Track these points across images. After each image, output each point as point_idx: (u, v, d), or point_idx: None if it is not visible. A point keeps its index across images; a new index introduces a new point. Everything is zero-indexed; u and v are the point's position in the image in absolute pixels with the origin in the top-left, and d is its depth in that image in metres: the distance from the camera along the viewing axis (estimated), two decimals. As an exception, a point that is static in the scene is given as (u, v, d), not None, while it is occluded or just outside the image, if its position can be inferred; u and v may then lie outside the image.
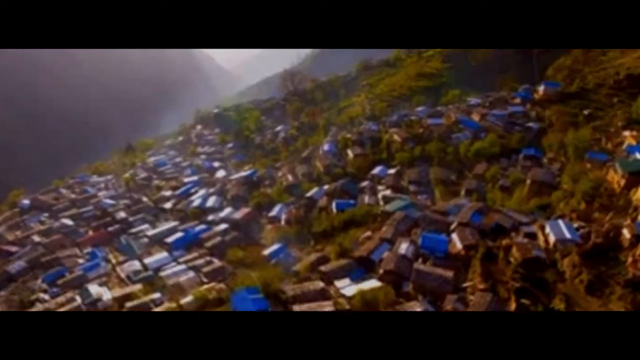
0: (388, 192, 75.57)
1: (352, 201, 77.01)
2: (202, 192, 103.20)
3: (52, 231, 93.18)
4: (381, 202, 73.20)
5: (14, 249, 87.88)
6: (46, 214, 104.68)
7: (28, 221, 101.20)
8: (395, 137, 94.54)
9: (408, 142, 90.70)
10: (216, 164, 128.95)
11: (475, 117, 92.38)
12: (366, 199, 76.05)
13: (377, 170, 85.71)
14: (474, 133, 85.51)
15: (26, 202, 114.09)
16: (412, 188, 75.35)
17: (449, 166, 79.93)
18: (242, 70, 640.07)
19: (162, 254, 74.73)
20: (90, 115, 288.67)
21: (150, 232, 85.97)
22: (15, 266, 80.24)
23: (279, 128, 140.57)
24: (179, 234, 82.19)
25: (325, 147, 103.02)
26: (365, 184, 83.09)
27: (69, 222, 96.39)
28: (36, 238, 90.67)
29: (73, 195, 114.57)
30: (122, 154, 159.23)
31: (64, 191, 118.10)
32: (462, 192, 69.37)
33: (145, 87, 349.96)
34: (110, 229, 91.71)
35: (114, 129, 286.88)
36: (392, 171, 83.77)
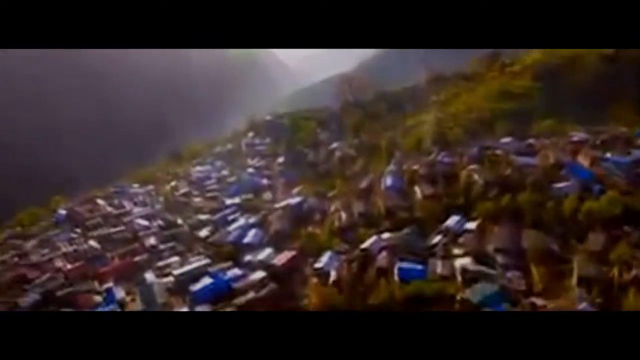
0: (467, 261, 58.74)
1: (419, 267, 60.80)
2: (241, 220, 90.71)
3: (77, 255, 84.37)
4: (458, 276, 56.57)
5: (33, 274, 79.70)
6: (78, 230, 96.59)
7: (57, 238, 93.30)
8: (476, 177, 76.94)
9: (492, 186, 72.86)
10: (264, 181, 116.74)
11: (584, 161, 72.91)
12: (438, 267, 59.51)
13: (452, 221, 68.79)
14: (583, 184, 66.38)
15: (62, 212, 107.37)
16: (499, 259, 57.92)
17: (549, 229, 61.42)
18: (304, 65, 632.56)
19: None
20: (149, 114, 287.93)
21: (177, 271, 74.36)
22: (29, 299, 71.67)
23: (334, 145, 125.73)
24: (206, 280, 69.74)
25: (388, 180, 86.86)
26: (436, 239, 66.48)
27: (96, 245, 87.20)
28: (59, 263, 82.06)
29: (109, 209, 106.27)
30: (168, 160, 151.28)
31: (101, 202, 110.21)
32: (573, 280, 51.11)
33: (205, 85, 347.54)
34: (137, 258, 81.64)
35: (173, 127, 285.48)
36: (471, 226, 66.60)
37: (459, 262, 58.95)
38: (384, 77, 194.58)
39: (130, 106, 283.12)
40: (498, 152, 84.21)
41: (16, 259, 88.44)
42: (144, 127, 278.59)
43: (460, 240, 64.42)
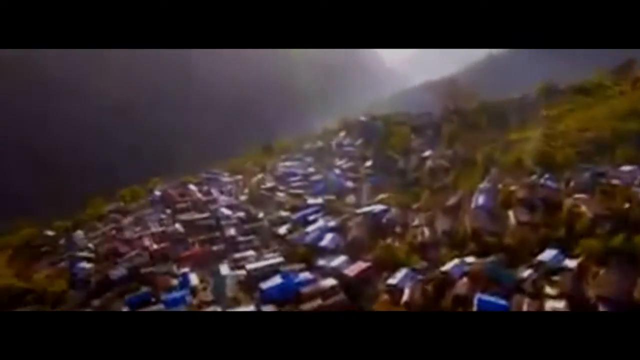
0: (561, 305, 51.22)
1: (502, 301, 54.37)
2: (321, 222, 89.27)
3: (163, 236, 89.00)
4: (549, 321, 49.36)
5: (124, 249, 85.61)
6: (168, 211, 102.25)
7: (149, 217, 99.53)
8: (583, 208, 67.59)
9: (603, 221, 63.28)
10: (349, 184, 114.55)
11: None
12: (525, 305, 52.69)
13: (547, 255, 60.91)
14: None
15: (158, 193, 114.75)
16: (602, 308, 49.65)
17: (672, 282, 51.53)
18: (405, 67, 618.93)
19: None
20: (249, 108, 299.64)
21: (251, 265, 74.91)
22: (118, 272, 77.01)
23: (427, 153, 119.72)
24: (277, 280, 69.17)
25: (480, 199, 79.89)
26: (526, 273, 59.20)
27: (181, 228, 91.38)
28: (146, 242, 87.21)
29: (198, 195, 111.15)
30: (259, 152, 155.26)
31: (192, 188, 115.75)
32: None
33: (306, 82, 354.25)
34: (215, 247, 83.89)
35: (270, 121, 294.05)
36: (571, 264, 58.28)
37: (550, 304, 51.62)
38: (489, 85, 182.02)
39: (235, 100, 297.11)
40: (615, 181, 73.35)
41: (114, 232, 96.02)
42: (244, 119, 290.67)
43: (555, 278, 56.56)
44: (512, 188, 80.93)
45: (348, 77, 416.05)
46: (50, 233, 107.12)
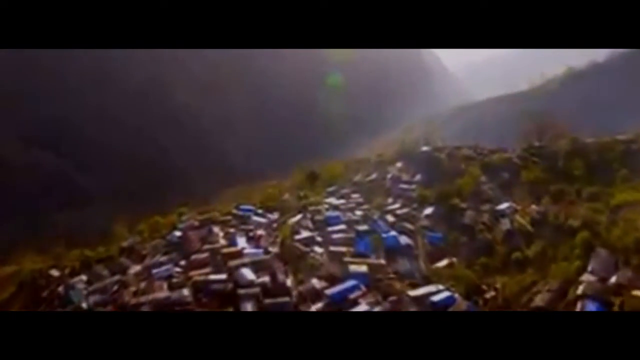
0: None
1: None
2: (363, 306, 69.01)
3: (166, 305, 72.18)
4: None
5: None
6: (182, 264, 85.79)
7: (159, 271, 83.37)
8: None
9: None
10: (402, 240, 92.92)
11: None
12: None
13: None
14: None
15: (177, 234, 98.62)
16: None
17: None
18: (468, 75, 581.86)
19: None
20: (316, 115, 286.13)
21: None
22: None
23: (502, 206, 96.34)
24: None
25: (588, 303, 56.51)
26: None
27: (188, 295, 74.19)
28: (145, 309, 70.91)
29: (221, 241, 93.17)
30: (303, 180, 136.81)
31: (215, 230, 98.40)
32: None
33: (366, 89, 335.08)
34: (225, 331, 65.61)
35: (337, 127, 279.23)
36: None
37: None
38: (579, 112, 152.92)
39: (288, 107, 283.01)
40: None
41: (115, 288, 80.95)
42: (299, 127, 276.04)
43: None
44: (637, 294, 56.83)
45: (406, 78, 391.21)
46: (55, 273, 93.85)
